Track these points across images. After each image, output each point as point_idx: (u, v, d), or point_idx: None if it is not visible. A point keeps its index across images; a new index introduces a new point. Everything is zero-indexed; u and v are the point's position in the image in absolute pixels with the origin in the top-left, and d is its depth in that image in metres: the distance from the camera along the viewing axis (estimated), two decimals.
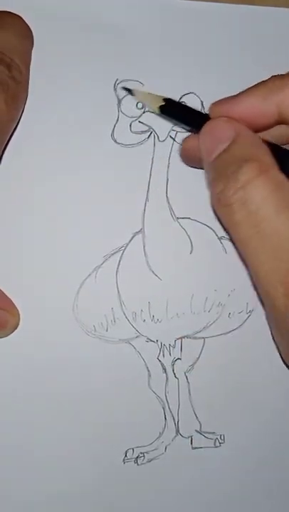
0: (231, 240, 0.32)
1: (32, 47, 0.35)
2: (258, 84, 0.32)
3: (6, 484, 0.36)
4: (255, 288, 0.32)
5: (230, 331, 0.38)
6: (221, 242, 0.38)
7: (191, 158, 0.35)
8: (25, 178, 0.36)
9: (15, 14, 0.34)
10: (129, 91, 0.35)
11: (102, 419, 0.37)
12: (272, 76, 0.32)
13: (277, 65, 0.37)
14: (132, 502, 0.38)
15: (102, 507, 0.37)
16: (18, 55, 0.33)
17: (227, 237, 0.38)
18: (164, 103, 0.34)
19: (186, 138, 0.35)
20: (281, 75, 0.32)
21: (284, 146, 0.33)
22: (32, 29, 0.35)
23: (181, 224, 0.37)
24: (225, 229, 0.33)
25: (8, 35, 0.33)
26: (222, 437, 0.38)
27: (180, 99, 0.37)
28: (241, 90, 0.34)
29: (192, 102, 0.37)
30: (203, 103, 0.37)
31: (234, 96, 0.33)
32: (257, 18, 0.38)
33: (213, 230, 0.37)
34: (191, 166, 0.37)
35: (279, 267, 0.29)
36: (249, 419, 0.39)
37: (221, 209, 0.31)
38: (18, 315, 0.36)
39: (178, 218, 0.37)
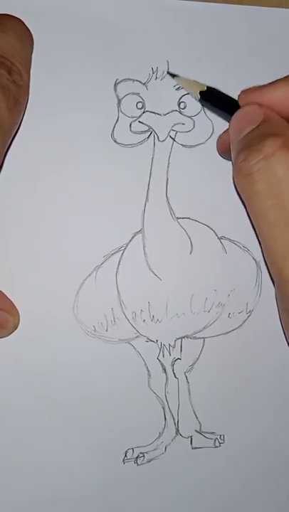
0: (247, 212, 0.32)
1: (32, 50, 0.35)
2: (287, 76, 0.33)
3: (6, 485, 0.36)
4: (266, 263, 0.32)
5: (230, 331, 0.38)
6: (221, 242, 0.38)
7: (226, 151, 0.36)
8: (25, 178, 0.36)
9: (15, 17, 0.34)
10: (173, 76, 0.36)
11: (102, 419, 0.37)
12: None
13: (276, 64, 0.38)
14: (132, 502, 0.38)
15: (102, 507, 0.37)
16: (19, 59, 0.33)
17: (227, 237, 0.38)
18: (205, 89, 0.36)
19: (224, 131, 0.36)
20: None
21: None
22: (32, 29, 0.35)
23: (181, 224, 0.37)
24: (243, 201, 0.33)
25: (9, 39, 0.33)
26: (222, 437, 0.38)
27: (180, 99, 0.37)
28: (241, 88, 0.35)
29: (191, 101, 0.37)
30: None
31: (265, 85, 0.34)
32: (256, 18, 0.38)
33: (213, 230, 0.37)
34: (226, 158, 0.37)
35: None
36: (249, 419, 0.39)
37: (241, 179, 0.31)
38: (18, 315, 0.36)
39: (178, 218, 0.37)
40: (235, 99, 0.35)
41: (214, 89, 0.36)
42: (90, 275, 0.36)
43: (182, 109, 0.37)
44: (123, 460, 0.37)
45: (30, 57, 0.34)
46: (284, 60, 0.38)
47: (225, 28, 0.38)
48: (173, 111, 0.37)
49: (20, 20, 0.34)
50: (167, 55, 0.37)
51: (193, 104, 0.37)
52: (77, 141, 0.36)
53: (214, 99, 0.36)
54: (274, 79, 0.34)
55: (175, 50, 0.37)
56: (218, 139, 0.37)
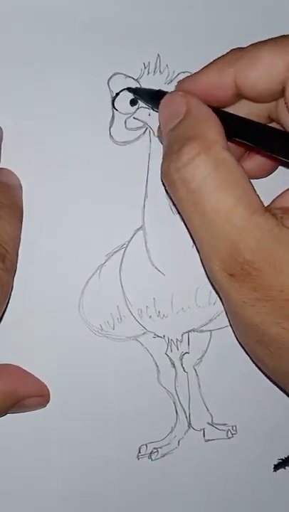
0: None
1: (22, 223, 0.35)
2: (216, 59, 0.33)
3: (22, 481, 0.36)
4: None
5: None
6: None
7: None
8: (25, 179, 0.36)
9: (5, 185, 0.35)
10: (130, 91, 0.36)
11: (113, 417, 0.37)
12: (231, 49, 0.32)
13: None
14: (147, 497, 0.38)
15: (118, 503, 0.38)
16: (12, 242, 0.33)
17: None
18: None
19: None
20: (239, 48, 0.32)
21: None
22: (23, 28, 0.35)
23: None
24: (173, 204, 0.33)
25: (2, 223, 0.33)
26: (234, 428, 0.38)
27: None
28: None
29: None
30: None
31: (196, 72, 0.33)
32: (249, 7, 0.38)
33: None
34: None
35: (218, 246, 0.30)
36: (260, 408, 0.39)
37: (166, 185, 0.32)
38: (48, 392, 0.36)
39: (178, 212, 0.37)
40: (160, 90, 0.35)
41: (158, 90, 0.36)
42: (93, 274, 0.36)
43: None
44: (137, 456, 0.37)
45: (20, 235, 0.35)
46: None
47: (216, 19, 0.38)
48: None
49: (13, 180, 0.35)
50: (158, 49, 0.37)
51: None
52: (74, 140, 0.36)
53: (146, 96, 0.36)
54: None
55: (165, 43, 0.37)
56: (157, 128, 0.37)
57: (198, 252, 0.32)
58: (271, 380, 0.37)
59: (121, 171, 0.37)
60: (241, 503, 0.39)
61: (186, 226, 0.32)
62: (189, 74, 0.37)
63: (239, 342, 0.36)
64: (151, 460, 0.38)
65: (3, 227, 0.33)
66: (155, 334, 0.37)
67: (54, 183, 0.36)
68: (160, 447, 0.38)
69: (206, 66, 0.33)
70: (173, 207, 0.37)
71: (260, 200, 0.30)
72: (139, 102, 0.37)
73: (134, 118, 0.37)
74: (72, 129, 0.36)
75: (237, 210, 0.29)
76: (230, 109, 0.33)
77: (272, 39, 0.31)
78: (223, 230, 0.29)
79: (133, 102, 0.37)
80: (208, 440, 0.38)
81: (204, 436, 0.38)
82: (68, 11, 0.36)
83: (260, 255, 0.29)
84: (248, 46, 0.32)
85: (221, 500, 0.39)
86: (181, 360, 0.38)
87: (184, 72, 0.37)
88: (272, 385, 0.38)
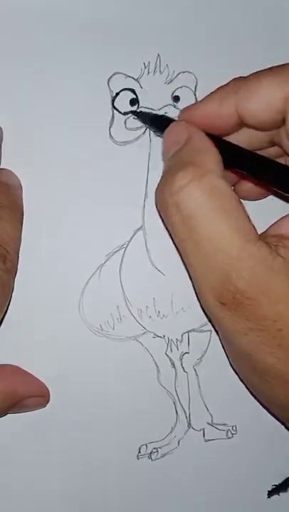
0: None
1: (22, 224, 0.35)
2: (218, 88, 0.33)
3: (23, 481, 0.36)
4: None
5: None
6: None
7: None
8: (25, 179, 0.36)
9: (5, 185, 0.35)
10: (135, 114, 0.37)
11: (113, 416, 0.37)
12: (233, 79, 0.32)
13: (275, 47, 0.37)
14: (147, 497, 0.38)
15: (118, 503, 0.38)
16: (12, 243, 0.33)
17: None
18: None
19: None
20: (241, 77, 0.32)
21: (258, 151, 0.34)
22: (23, 28, 0.35)
23: None
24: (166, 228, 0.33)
25: (4, 225, 0.33)
26: (234, 428, 0.38)
27: (173, 93, 0.37)
28: (236, 71, 0.35)
29: (185, 95, 0.37)
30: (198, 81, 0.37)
31: (199, 101, 0.34)
32: (248, 6, 0.38)
33: None
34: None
35: (210, 274, 0.29)
36: (260, 408, 0.39)
37: (160, 210, 0.32)
38: (48, 392, 0.36)
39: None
40: (168, 117, 0.36)
41: (162, 115, 0.36)
42: (93, 274, 0.37)
43: (176, 102, 0.37)
44: (137, 456, 0.37)
45: (21, 235, 0.35)
46: (280, 50, 0.38)
47: (216, 19, 0.38)
48: (167, 105, 0.37)
49: (14, 180, 0.35)
50: (158, 48, 0.37)
51: (187, 98, 0.37)
52: (74, 140, 0.36)
53: (162, 123, 0.35)
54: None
55: (165, 43, 0.37)
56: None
57: (190, 277, 0.32)
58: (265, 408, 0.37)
59: (121, 171, 0.37)
60: (241, 503, 0.39)
61: (178, 251, 0.32)
62: (189, 74, 0.37)
63: (233, 369, 0.36)
64: (151, 460, 0.38)
65: (4, 228, 0.33)
66: (155, 334, 0.37)
67: (54, 183, 0.36)
68: (160, 447, 0.38)
69: (208, 96, 0.33)
70: None
71: (255, 229, 0.30)
72: (139, 101, 0.37)
73: (134, 118, 0.37)
74: (72, 129, 0.36)
75: (230, 239, 0.29)
76: (233, 136, 0.34)
77: (271, 68, 0.32)
78: (216, 258, 0.29)
79: (133, 102, 0.37)
80: (208, 440, 0.38)
81: (204, 436, 0.38)
82: (68, 11, 0.36)
83: (253, 284, 0.29)
84: (248, 76, 0.32)
85: (221, 500, 0.39)
86: (181, 360, 0.38)
87: (183, 72, 0.37)
88: None
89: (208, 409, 0.38)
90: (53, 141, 0.36)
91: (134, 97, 0.36)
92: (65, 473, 0.37)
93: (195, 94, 0.37)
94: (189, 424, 0.38)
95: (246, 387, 0.36)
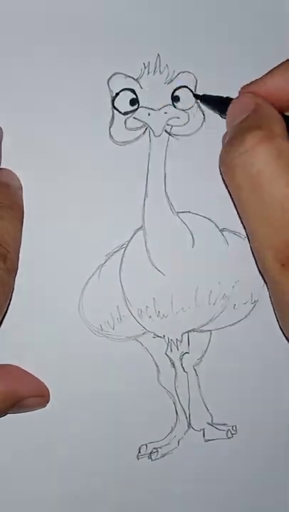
0: (233, 201, 0.33)
1: (22, 224, 0.35)
2: (283, 62, 0.34)
3: (22, 481, 0.37)
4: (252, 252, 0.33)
5: (236, 322, 0.38)
6: (223, 235, 0.38)
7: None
8: (24, 179, 0.36)
9: (6, 185, 0.35)
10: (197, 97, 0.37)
11: (113, 417, 0.37)
12: None
13: (275, 47, 0.37)
14: (147, 497, 0.38)
15: (117, 503, 0.38)
16: (13, 243, 0.33)
17: (228, 228, 0.38)
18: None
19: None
20: None
21: None
22: (22, 28, 0.35)
23: (182, 218, 0.37)
24: (227, 189, 0.34)
25: (5, 225, 0.33)
26: (234, 428, 0.38)
27: (173, 93, 0.37)
28: (233, 76, 0.35)
29: (185, 95, 0.37)
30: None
31: (262, 76, 0.34)
32: (247, 5, 0.38)
33: (214, 223, 0.37)
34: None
35: (274, 233, 0.30)
36: (260, 408, 0.39)
37: (224, 169, 0.32)
38: (48, 392, 0.36)
39: (178, 212, 0.37)
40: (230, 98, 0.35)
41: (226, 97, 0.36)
42: (93, 274, 0.36)
43: (176, 102, 0.37)
44: (137, 456, 0.37)
45: (21, 235, 0.35)
46: (280, 50, 0.38)
47: (216, 19, 0.38)
48: (167, 105, 0.37)
49: (14, 181, 0.35)
50: (158, 48, 0.37)
51: (187, 98, 0.37)
52: (74, 140, 0.36)
53: (213, 102, 0.37)
54: (266, 70, 0.34)
55: (165, 43, 0.37)
56: (223, 137, 0.37)
57: (249, 240, 0.32)
58: None
59: (121, 171, 0.37)
60: (241, 503, 0.39)
61: (239, 214, 0.32)
62: (189, 74, 0.37)
63: (283, 333, 0.36)
64: (151, 460, 0.38)
65: (5, 228, 0.33)
66: (155, 334, 0.37)
67: (54, 183, 0.36)
68: (160, 447, 0.38)
69: (271, 71, 0.34)
70: (173, 207, 0.37)
71: None
72: (139, 101, 0.37)
73: (134, 118, 0.37)
74: (72, 129, 0.36)
75: None
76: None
77: None
78: (281, 218, 0.29)
79: (133, 102, 0.37)
80: (208, 440, 0.38)
81: (204, 436, 0.38)
82: (68, 10, 0.36)
83: None
84: None
85: (221, 500, 0.39)
86: (181, 360, 0.38)
87: (183, 72, 0.37)
88: (272, 385, 0.38)
89: (208, 409, 0.38)
90: (53, 141, 0.36)
91: (134, 97, 0.36)
92: (65, 473, 0.37)
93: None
94: (189, 424, 0.38)
95: None
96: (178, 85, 0.37)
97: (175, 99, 0.37)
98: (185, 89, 0.37)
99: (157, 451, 0.38)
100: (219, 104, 0.36)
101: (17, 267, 0.34)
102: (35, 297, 0.36)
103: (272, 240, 0.30)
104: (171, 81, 0.37)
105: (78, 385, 0.36)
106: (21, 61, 0.35)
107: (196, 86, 0.37)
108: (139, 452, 0.37)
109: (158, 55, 0.37)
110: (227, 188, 0.33)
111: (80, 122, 0.36)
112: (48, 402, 0.36)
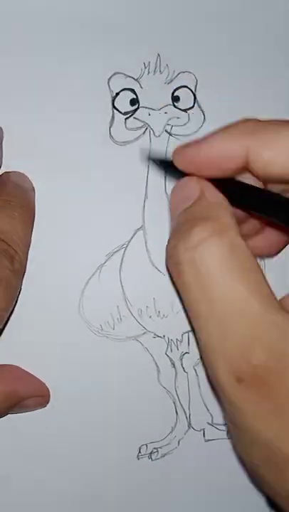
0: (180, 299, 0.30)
1: (33, 226, 0.35)
2: (229, 125, 0.30)
3: (22, 481, 0.36)
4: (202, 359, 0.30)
5: None
6: None
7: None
8: None
9: (21, 187, 0.34)
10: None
11: (113, 417, 0.37)
12: (245, 119, 0.30)
13: (275, 47, 0.37)
14: (147, 497, 0.38)
15: (118, 503, 0.38)
16: (22, 244, 0.33)
17: None
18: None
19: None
20: (255, 119, 0.29)
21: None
22: (23, 28, 0.35)
23: None
24: (175, 287, 0.31)
25: (15, 225, 0.33)
26: None
27: (173, 93, 0.37)
28: (231, 78, 0.35)
29: (185, 95, 0.37)
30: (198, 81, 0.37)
31: (204, 137, 0.30)
32: (255, 3, 0.38)
33: None
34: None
35: (226, 342, 0.26)
36: None
37: (170, 267, 0.29)
38: (48, 392, 0.36)
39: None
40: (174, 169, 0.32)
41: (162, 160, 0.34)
42: (93, 274, 0.36)
43: (176, 102, 0.37)
44: (137, 456, 0.37)
45: (31, 237, 0.34)
46: (280, 50, 0.38)
47: (216, 19, 0.38)
48: (167, 105, 0.37)
49: (26, 183, 0.35)
50: (158, 48, 0.37)
51: (187, 98, 0.37)
52: (74, 140, 0.36)
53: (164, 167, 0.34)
54: (266, 69, 0.34)
55: (165, 43, 0.37)
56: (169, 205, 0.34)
57: (199, 348, 0.29)
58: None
59: (121, 171, 0.37)
60: (241, 503, 0.39)
61: (187, 316, 0.29)
62: (189, 74, 0.37)
63: (238, 458, 0.33)
64: (151, 460, 0.38)
65: (15, 229, 0.33)
66: (155, 334, 0.37)
67: (54, 183, 0.36)
68: (160, 447, 0.38)
69: (215, 133, 0.30)
70: None
71: (274, 294, 0.27)
72: (139, 101, 0.37)
73: (134, 118, 0.37)
74: (73, 129, 0.36)
75: (251, 303, 0.26)
76: None
77: None
78: (235, 324, 0.26)
79: (133, 102, 0.37)
80: (208, 440, 0.38)
81: (204, 436, 0.38)
82: (68, 10, 0.36)
83: (278, 359, 0.25)
84: (264, 121, 0.29)
85: (221, 500, 0.39)
86: (181, 360, 0.38)
87: (183, 72, 0.37)
88: None
89: (208, 409, 0.38)
90: (53, 141, 0.36)
91: (134, 97, 0.36)
92: (65, 473, 0.37)
93: (195, 94, 0.37)
94: (189, 424, 0.38)
95: (251, 481, 0.34)
96: (178, 85, 0.37)
97: (175, 99, 0.37)
98: (185, 89, 0.37)
99: (157, 451, 0.38)
100: (164, 166, 0.34)
101: (25, 269, 0.34)
102: (36, 297, 0.36)
103: (225, 348, 0.26)
104: (171, 81, 0.37)
105: (78, 385, 0.36)
106: (21, 61, 0.35)
107: (196, 86, 0.37)
108: (139, 452, 0.37)
109: (158, 55, 0.37)
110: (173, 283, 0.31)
111: (80, 122, 0.36)
112: (48, 402, 0.36)
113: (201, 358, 0.29)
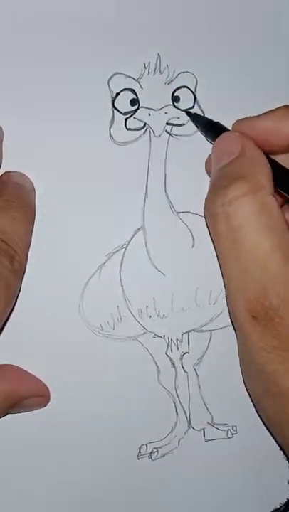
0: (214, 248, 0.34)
1: (33, 226, 0.35)
2: (281, 106, 0.34)
3: (23, 481, 0.36)
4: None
5: None
6: None
7: None
8: None
9: (22, 187, 0.35)
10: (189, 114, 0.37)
11: (113, 417, 0.37)
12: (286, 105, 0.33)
13: (275, 47, 0.38)
14: (147, 497, 0.38)
15: (118, 503, 0.38)
16: (22, 245, 0.34)
17: None
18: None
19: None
20: None
21: None
22: (21, 30, 0.35)
23: (182, 218, 0.37)
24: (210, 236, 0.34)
25: (16, 226, 0.33)
26: (234, 428, 0.38)
27: (173, 93, 0.37)
28: (231, 78, 0.36)
29: (185, 95, 0.37)
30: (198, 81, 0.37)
31: (257, 116, 0.34)
32: (255, 3, 0.38)
33: None
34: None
35: (246, 286, 0.30)
36: None
37: (207, 217, 0.32)
38: (48, 392, 0.36)
39: (178, 213, 0.37)
40: (222, 126, 0.35)
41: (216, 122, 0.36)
42: (93, 274, 0.37)
43: (176, 102, 0.37)
44: (137, 456, 0.37)
45: (31, 238, 0.35)
46: (280, 50, 0.38)
47: (216, 19, 0.38)
48: (167, 105, 0.37)
49: (27, 183, 0.35)
50: (158, 48, 0.37)
51: (188, 98, 0.37)
52: (75, 141, 0.36)
53: (204, 123, 0.36)
54: (266, 70, 0.34)
55: (165, 43, 0.37)
56: (206, 160, 0.37)
57: (225, 287, 0.32)
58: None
59: (121, 171, 0.37)
60: (241, 502, 0.39)
61: (218, 260, 0.32)
62: (189, 74, 0.37)
63: (244, 383, 0.36)
64: (151, 460, 0.38)
65: (16, 229, 0.33)
66: (155, 334, 0.37)
67: (54, 183, 0.36)
68: (160, 447, 0.38)
69: (269, 112, 0.34)
70: (173, 207, 0.37)
71: None
72: (140, 102, 0.37)
73: (134, 118, 0.37)
74: (73, 129, 0.36)
75: (273, 255, 0.30)
76: (281, 157, 0.34)
77: None
78: (256, 272, 0.30)
79: (133, 102, 0.37)
80: (208, 440, 0.38)
81: (204, 436, 0.38)
82: (68, 11, 0.36)
83: (287, 304, 0.29)
84: None
85: (221, 500, 0.39)
86: (182, 360, 0.38)
87: (184, 72, 0.37)
88: None
89: (208, 409, 0.38)
90: (53, 141, 0.36)
91: (135, 97, 0.36)
92: (65, 473, 0.37)
93: (195, 94, 0.37)
94: (189, 424, 0.38)
95: (256, 410, 0.36)
96: (178, 85, 0.37)
97: (175, 99, 0.37)
98: (185, 89, 0.37)
99: (157, 451, 0.38)
100: (207, 126, 0.36)
101: (25, 269, 0.34)
102: (36, 297, 0.36)
103: (245, 291, 0.30)
104: (172, 81, 0.37)
105: (78, 385, 0.36)
106: (21, 61, 0.35)
107: (196, 86, 0.37)
108: (140, 452, 0.37)
109: (158, 55, 0.37)
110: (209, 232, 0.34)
111: (80, 122, 0.36)
112: (48, 402, 0.36)
113: (226, 297, 0.33)
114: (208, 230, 0.34)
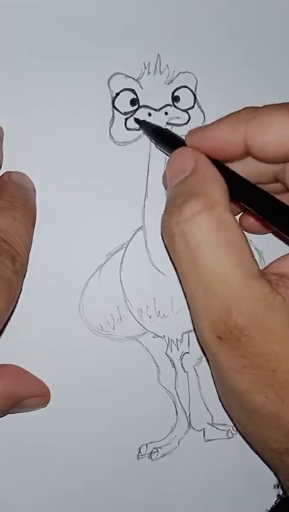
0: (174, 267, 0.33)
1: (34, 227, 0.35)
2: (230, 114, 0.32)
3: (23, 481, 0.36)
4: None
5: None
6: None
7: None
8: None
9: (24, 187, 0.35)
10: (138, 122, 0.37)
11: (113, 417, 0.37)
12: (245, 107, 0.32)
13: (275, 47, 0.38)
14: (147, 497, 0.38)
15: (117, 503, 0.38)
16: (24, 245, 0.33)
17: None
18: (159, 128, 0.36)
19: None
20: (253, 107, 0.32)
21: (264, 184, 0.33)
22: (22, 29, 0.35)
23: None
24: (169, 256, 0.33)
25: (18, 227, 0.33)
26: (234, 428, 0.38)
27: (173, 93, 0.37)
28: (232, 78, 0.35)
29: (185, 95, 0.37)
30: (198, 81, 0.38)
31: (208, 124, 0.33)
32: (255, 3, 0.38)
33: None
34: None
35: (209, 306, 0.29)
36: None
37: (165, 238, 0.32)
38: (49, 392, 0.36)
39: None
40: (177, 137, 0.35)
41: (165, 129, 0.36)
42: (93, 274, 0.37)
43: (176, 102, 0.37)
44: (137, 456, 0.37)
45: (32, 238, 0.35)
46: (280, 50, 0.38)
47: (216, 19, 0.38)
48: (167, 105, 0.37)
49: (28, 183, 0.35)
50: (158, 48, 0.37)
51: (188, 98, 0.37)
52: (75, 141, 0.36)
53: (164, 137, 0.36)
54: (266, 70, 0.34)
55: (165, 43, 0.37)
56: (162, 175, 0.37)
57: (189, 309, 0.32)
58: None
59: (121, 171, 0.37)
60: (241, 502, 0.39)
61: (180, 281, 0.32)
62: (189, 74, 0.37)
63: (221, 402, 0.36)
64: (152, 460, 0.38)
65: (17, 229, 0.33)
66: (155, 334, 0.37)
67: (54, 183, 0.36)
68: (160, 447, 0.38)
69: (219, 121, 0.33)
70: None
71: (257, 265, 0.30)
72: (140, 102, 0.37)
73: (134, 118, 0.37)
74: (73, 129, 0.36)
75: (233, 273, 0.29)
76: (237, 164, 0.33)
77: (285, 104, 0.31)
78: (218, 291, 0.29)
79: (133, 102, 0.37)
80: (208, 440, 0.38)
81: (204, 436, 0.38)
82: (68, 11, 0.36)
83: (252, 321, 0.28)
84: (261, 107, 0.31)
85: (221, 500, 0.39)
86: (182, 360, 0.38)
87: (183, 72, 0.37)
88: None
89: (208, 409, 0.38)
90: (53, 141, 0.36)
91: (135, 97, 0.37)
92: (65, 474, 0.37)
93: (195, 94, 0.37)
94: (189, 424, 0.38)
95: (234, 426, 0.37)
96: (178, 85, 0.37)
97: (175, 99, 0.37)
98: (185, 89, 0.37)
99: (157, 451, 0.38)
100: (155, 133, 0.36)
101: (26, 270, 0.34)
102: (36, 297, 0.36)
103: (209, 311, 0.29)
104: (172, 81, 0.37)
105: (78, 384, 0.36)
106: (21, 61, 0.35)
107: (196, 86, 0.37)
108: (140, 452, 0.37)
109: (158, 55, 0.37)
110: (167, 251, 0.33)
111: (80, 122, 0.36)
112: (48, 402, 0.36)
113: (191, 318, 0.33)
114: (166, 250, 0.33)
